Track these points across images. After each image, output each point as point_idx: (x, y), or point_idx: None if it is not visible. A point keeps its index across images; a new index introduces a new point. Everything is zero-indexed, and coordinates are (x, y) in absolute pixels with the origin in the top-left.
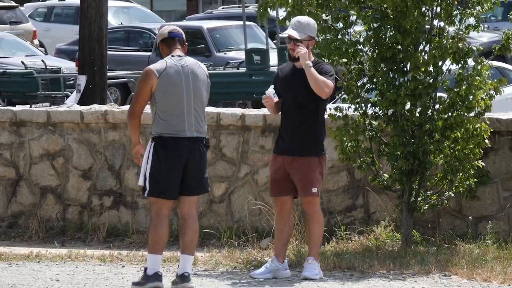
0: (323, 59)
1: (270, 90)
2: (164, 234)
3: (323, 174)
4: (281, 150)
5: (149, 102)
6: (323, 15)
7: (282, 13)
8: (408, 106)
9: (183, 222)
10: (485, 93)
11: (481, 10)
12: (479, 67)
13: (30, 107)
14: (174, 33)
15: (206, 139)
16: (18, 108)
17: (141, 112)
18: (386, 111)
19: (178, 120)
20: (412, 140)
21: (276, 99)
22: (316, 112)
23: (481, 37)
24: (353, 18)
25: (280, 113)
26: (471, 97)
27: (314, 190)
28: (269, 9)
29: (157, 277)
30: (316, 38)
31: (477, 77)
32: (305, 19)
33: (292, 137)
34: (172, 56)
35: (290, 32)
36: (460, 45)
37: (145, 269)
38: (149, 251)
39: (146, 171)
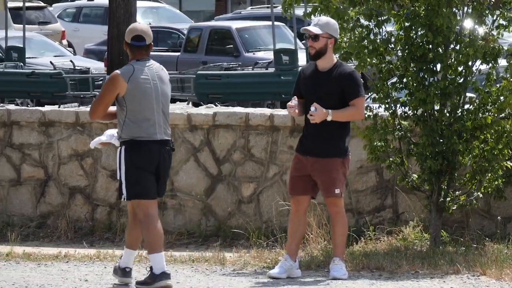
0: (351, 57)
1: (295, 101)
2: (159, 232)
3: (346, 175)
4: (304, 150)
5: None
6: (353, 12)
7: (298, 12)
8: (437, 106)
9: (135, 223)
10: None
11: None
12: None
13: (59, 107)
14: (138, 41)
15: (172, 142)
16: (47, 108)
17: (103, 114)
18: (415, 111)
19: (149, 123)
20: (441, 140)
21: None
22: None
23: (510, 37)
24: (385, 17)
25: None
26: (502, 98)
27: (337, 191)
28: (294, 6)
29: (165, 275)
30: (337, 37)
31: (511, 79)
32: (325, 18)
33: (316, 138)
34: (138, 60)
35: (309, 27)
36: (491, 44)
37: (151, 268)
38: (150, 251)
39: (121, 176)
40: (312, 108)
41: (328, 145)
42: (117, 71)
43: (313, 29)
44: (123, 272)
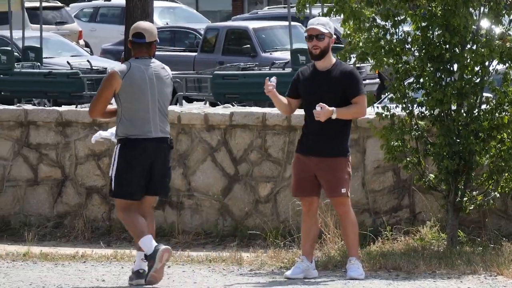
0: (368, 57)
1: (273, 79)
2: (140, 220)
3: (350, 174)
4: (307, 151)
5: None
6: (370, 12)
7: (315, 12)
8: (454, 106)
9: None
10: None
11: None
12: None
13: (76, 107)
14: (138, 38)
15: (170, 139)
16: (64, 108)
17: (101, 111)
18: (432, 111)
19: (144, 121)
20: (458, 140)
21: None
22: None
23: None
24: (402, 17)
25: (304, 113)
26: None
27: (343, 190)
28: (308, 6)
29: (158, 246)
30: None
31: None
32: (323, 18)
33: (319, 137)
34: (137, 58)
35: (316, 26)
36: (508, 44)
37: (145, 255)
38: (137, 239)
39: (112, 173)
40: (318, 108)
41: (332, 144)
42: (114, 68)
43: (321, 27)
44: (136, 274)
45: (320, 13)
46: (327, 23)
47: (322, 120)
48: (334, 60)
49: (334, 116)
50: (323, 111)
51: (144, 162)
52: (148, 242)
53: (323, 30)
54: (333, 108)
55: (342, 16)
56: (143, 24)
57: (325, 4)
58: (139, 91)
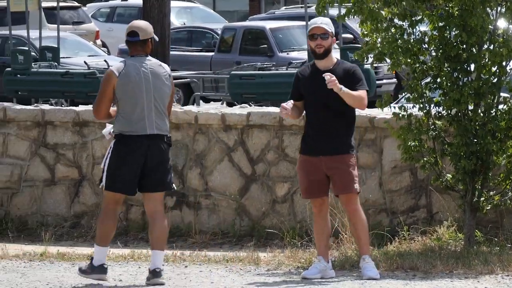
0: (385, 57)
1: (289, 104)
2: (111, 228)
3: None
4: (313, 151)
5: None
6: (387, 11)
7: (332, 12)
8: (471, 106)
9: (151, 220)
10: None
11: None
12: None
13: None
14: (131, 37)
15: (168, 137)
16: (81, 108)
17: (106, 112)
18: (449, 110)
19: (138, 118)
20: (475, 140)
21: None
22: (343, 110)
23: None
24: (419, 17)
25: (305, 113)
26: None
27: (356, 186)
28: (328, 6)
29: (102, 269)
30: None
31: None
32: (325, 18)
33: (325, 137)
34: (132, 56)
35: (322, 25)
36: None
37: (92, 259)
38: (97, 243)
39: (104, 166)
40: (327, 77)
41: (334, 142)
42: (111, 67)
43: (325, 26)
44: (153, 273)
45: (338, 14)
46: (329, 23)
47: (334, 88)
48: (335, 59)
49: (341, 90)
50: (333, 79)
51: (138, 159)
52: (101, 254)
53: (327, 29)
54: (340, 85)
55: (360, 16)
56: (137, 22)
57: (343, 5)
58: (135, 88)
